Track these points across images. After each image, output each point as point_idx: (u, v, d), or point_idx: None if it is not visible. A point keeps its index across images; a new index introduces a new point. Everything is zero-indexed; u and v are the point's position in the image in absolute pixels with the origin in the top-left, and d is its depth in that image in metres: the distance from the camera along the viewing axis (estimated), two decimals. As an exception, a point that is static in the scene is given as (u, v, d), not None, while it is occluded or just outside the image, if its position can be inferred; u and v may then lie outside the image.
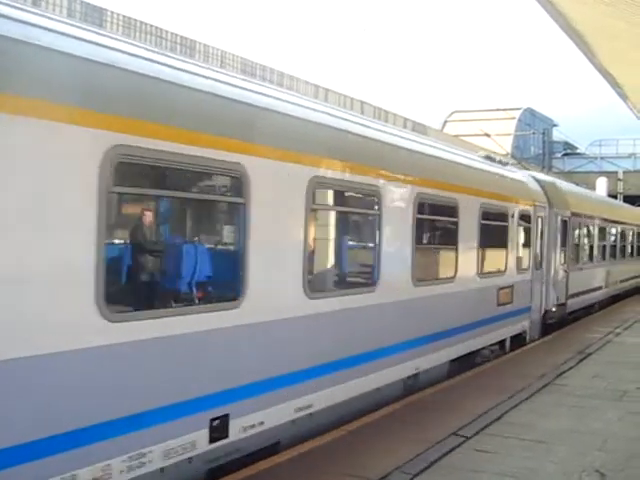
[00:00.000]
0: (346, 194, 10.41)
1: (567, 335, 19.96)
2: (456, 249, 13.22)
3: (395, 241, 11.06)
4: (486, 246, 14.71)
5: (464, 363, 13.94)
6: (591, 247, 25.62)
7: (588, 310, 24.73)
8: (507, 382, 12.93)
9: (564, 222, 20.97)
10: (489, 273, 15.07)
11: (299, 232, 8.73)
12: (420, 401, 11.35)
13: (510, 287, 16.17)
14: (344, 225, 10.85)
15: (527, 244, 17.65)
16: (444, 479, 7.91)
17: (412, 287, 11.40)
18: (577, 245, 23.36)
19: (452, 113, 64.60)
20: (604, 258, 27.53)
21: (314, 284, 9.24)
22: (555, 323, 20.25)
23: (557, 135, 66.45)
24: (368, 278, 10.65)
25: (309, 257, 8.97)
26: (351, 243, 10.95)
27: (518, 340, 17.26)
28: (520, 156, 50.80)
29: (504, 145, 46.71)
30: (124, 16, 23.76)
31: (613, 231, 29.52)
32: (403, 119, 37.02)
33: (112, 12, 23.33)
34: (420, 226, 11.83)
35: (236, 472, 7.69)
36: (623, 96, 23.33)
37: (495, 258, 15.72)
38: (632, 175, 55.96)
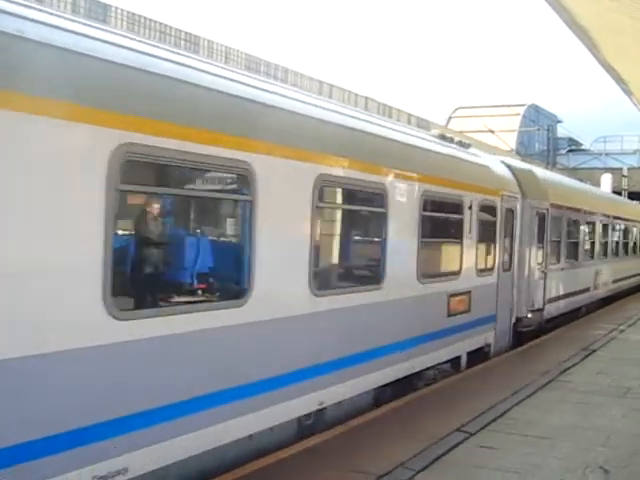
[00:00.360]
0: (192, 172, 7.59)
1: (571, 332, 19.92)
2: (383, 248, 10.41)
3: (280, 237, 8.32)
4: (430, 244, 12.20)
5: (403, 387, 11.38)
6: (576, 244, 22.34)
7: (574, 315, 22.21)
8: (510, 379, 12.91)
9: (541, 215, 18.09)
10: (435, 277, 12.35)
11: (94, 223, 5.94)
12: (423, 398, 11.34)
13: (466, 293, 13.34)
14: (191, 214, 8.08)
15: (492, 241, 14.86)
16: (448, 475, 7.92)
17: (310, 298, 8.70)
18: (558, 242, 20.18)
19: (456, 109, 64.47)
20: (592, 256, 24.52)
21: (128, 297, 6.74)
22: (531, 332, 17.61)
23: (561, 131, 66.34)
24: (233, 288, 8.01)
25: (116, 258, 6.23)
26: (203, 238, 8.11)
27: (480, 355, 14.52)
28: (524, 152, 50.84)
29: (508, 141, 46.71)
30: (128, 12, 23.76)
31: (604, 226, 26.28)
32: (407, 115, 37.00)
33: (116, 8, 23.35)
34: (324, 217, 9.47)
35: (236, 469, 7.66)
36: (628, 92, 23.24)
37: (444, 258, 13.33)
38: (637, 171, 55.79)
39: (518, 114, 58.98)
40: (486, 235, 14.48)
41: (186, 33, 25.80)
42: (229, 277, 8.31)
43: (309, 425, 9.16)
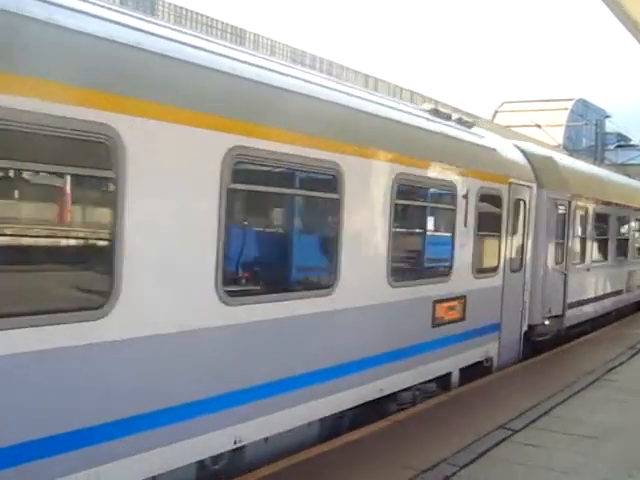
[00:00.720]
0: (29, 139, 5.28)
1: (617, 330, 19.62)
2: (335, 243, 8.41)
3: (169, 227, 6.27)
4: (407, 239, 10.51)
5: (372, 411, 9.46)
6: (605, 241, 19.62)
7: (606, 318, 19.95)
8: (554, 377, 12.77)
9: (562, 208, 15.81)
10: (413, 279, 10.40)
11: None
12: (467, 394, 11.29)
13: (459, 298, 11.27)
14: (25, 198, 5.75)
15: (495, 236, 12.74)
16: (491, 471, 7.89)
17: (219, 307, 6.74)
18: (582, 239, 17.65)
19: (502, 104, 63.75)
20: (625, 255, 21.74)
21: None
22: (548, 341, 15.52)
23: (610, 126, 65.03)
24: (86, 295, 5.94)
25: None
26: (41, 233, 5.84)
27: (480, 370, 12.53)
28: (572, 148, 50.10)
29: (555, 136, 46.09)
30: (175, 6, 24.07)
31: None
32: (452, 109, 36.85)
33: (163, 1, 23.69)
34: (242, 202, 7.60)
35: (279, 461, 7.72)
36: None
37: (428, 257, 11.15)
38: (687, 167, 54.61)
39: (566, 109, 58.20)
40: (488, 229, 12.44)
41: (232, 27, 26.00)
42: (78, 280, 6.01)
43: (217, 470, 7.21)
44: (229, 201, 6.78)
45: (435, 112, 11.41)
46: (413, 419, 9.69)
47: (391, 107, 10.11)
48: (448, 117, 11.72)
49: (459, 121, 12.03)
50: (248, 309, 7.16)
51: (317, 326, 8.17)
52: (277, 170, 7.82)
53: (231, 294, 6.88)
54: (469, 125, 12.40)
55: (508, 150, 14.01)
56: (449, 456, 8.08)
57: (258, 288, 7.77)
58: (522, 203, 13.76)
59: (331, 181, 8.33)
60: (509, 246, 13.19)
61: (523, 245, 13.95)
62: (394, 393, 9.84)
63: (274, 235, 8.58)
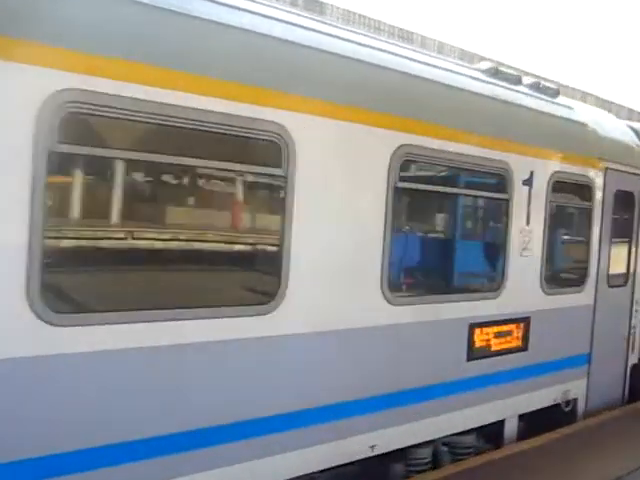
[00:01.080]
0: None
1: None
2: (280, 242, 5.89)
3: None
4: (422, 239, 8.19)
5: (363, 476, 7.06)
6: None
7: None
8: None
9: None
10: (433, 294, 7.67)
11: None
12: (625, 418, 10.30)
13: (518, 321, 8.52)
14: None
15: (581, 238, 9.87)
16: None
17: (37, 329, 4.54)
18: None
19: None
20: None
21: None
22: None
23: None
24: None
25: None
26: None
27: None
28: None
29: None
30: (344, 9, 24.63)
31: None
32: (627, 109, 35.20)
33: (332, 5, 24.39)
34: (95, 175, 5.25)
35: (450, 466, 7.63)
36: None
37: (458, 263, 8.28)
38: None
39: None
40: (568, 229, 10.11)
41: (399, 29, 26.17)
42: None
43: None
44: (55, 173, 4.70)
45: (493, 72, 8.76)
46: (586, 433, 9.22)
47: (407, 57, 7.47)
48: (515, 80, 9.03)
49: (534, 87, 9.32)
50: (93, 334, 4.83)
51: (243, 357, 5.73)
52: (170, 130, 5.23)
53: (59, 309, 4.73)
54: (550, 93, 9.57)
55: (608, 127, 10.55)
56: (624, 474, 7.67)
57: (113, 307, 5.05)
58: (628, 197, 10.67)
59: (272, 150, 5.86)
60: (604, 253, 10.12)
61: (630, 252, 10.88)
62: (401, 450, 7.28)
63: (162, 222, 5.71)
